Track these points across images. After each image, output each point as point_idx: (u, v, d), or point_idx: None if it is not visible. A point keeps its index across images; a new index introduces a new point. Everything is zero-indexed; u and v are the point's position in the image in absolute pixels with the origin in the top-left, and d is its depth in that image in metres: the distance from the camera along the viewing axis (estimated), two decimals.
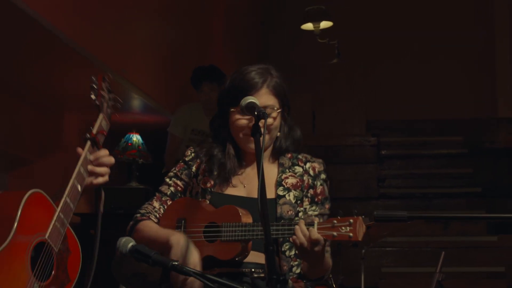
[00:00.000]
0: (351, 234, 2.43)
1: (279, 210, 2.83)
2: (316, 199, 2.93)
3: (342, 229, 2.44)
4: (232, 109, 2.86)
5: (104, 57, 5.56)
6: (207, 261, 2.71)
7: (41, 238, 2.49)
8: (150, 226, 2.88)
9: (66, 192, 2.58)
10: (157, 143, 6.88)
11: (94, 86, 2.73)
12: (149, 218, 2.94)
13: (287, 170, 2.96)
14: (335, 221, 2.47)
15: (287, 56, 9.80)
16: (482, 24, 10.35)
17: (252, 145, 2.60)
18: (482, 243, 6.86)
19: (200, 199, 2.87)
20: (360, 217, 2.42)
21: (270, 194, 2.85)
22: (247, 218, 2.71)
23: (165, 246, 2.72)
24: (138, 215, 2.97)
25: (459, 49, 10.29)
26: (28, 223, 2.45)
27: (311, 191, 2.94)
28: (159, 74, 6.88)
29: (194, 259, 2.65)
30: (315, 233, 2.54)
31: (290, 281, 2.77)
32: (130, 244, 2.36)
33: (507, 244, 6.72)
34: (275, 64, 3.01)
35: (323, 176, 2.99)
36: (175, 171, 3.01)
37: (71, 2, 5.04)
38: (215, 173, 2.89)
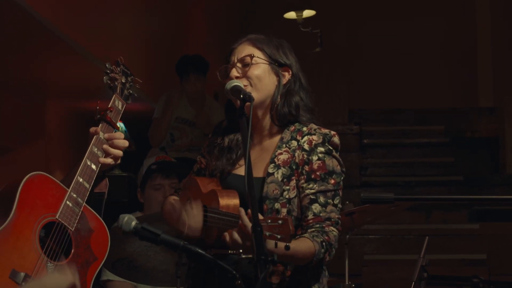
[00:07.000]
0: (279, 236, 2.26)
1: (265, 189, 2.67)
2: (313, 176, 2.68)
3: (275, 230, 2.25)
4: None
5: (87, 45, 5.55)
6: (201, 242, 2.68)
7: (51, 218, 2.49)
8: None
9: (78, 171, 2.60)
10: (140, 131, 6.86)
11: (107, 71, 2.84)
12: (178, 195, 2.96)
13: (284, 145, 2.75)
14: (269, 220, 2.29)
15: None
16: (463, 14, 10.38)
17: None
18: (463, 231, 6.90)
19: (212, 177, 2.83)
20: (290, 217, 2.27)
21: (262, 172, 2.73)
22: (228, 201, 2.62)
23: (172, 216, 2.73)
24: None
25: (441, 39, 10.33)
26: (32, 204, 2.46)
27: (306, 167, 2.70)
28: (141, 62, 6.86)
29: (194, 222, 2.65)
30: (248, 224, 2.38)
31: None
32: (134, 222, 2.31)
33: (488, 232, 6.76)
34: None
35: (321, 149, 2.71)
36: (203, 147, 2.97)
37: None
38: (220, 151, 2.84)
